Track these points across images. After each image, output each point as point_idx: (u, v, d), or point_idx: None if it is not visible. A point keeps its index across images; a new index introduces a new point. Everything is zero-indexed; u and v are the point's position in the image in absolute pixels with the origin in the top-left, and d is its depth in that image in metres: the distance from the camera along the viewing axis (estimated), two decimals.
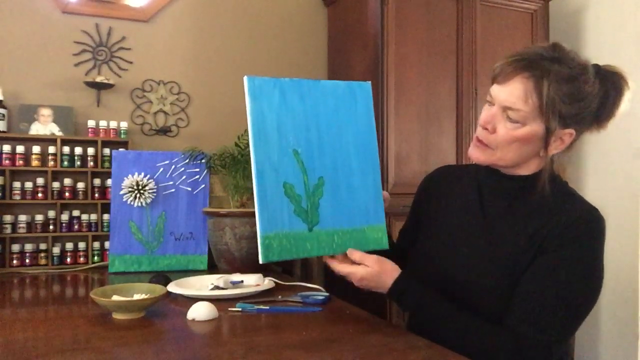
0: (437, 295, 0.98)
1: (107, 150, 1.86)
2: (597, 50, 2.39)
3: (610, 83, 0.94)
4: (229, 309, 1.15)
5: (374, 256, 0.98)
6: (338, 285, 1.19)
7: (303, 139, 1.00)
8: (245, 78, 0.98)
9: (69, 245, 1.80)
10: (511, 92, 0.92)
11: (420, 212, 1.19)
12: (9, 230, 1.74)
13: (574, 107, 0.91)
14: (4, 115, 1.79)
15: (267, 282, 1.35)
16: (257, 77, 1.01)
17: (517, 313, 0.90)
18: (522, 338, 0.88)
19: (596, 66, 0.95)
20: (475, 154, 1.00)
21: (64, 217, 1.80)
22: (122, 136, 1.91)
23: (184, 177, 1.76)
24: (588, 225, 0.92)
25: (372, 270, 0.97)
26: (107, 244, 1.80)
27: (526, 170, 1.00)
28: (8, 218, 1.75)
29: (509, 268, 0.94)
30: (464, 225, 1.05)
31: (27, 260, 1.75)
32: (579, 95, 0.91)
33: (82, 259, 1.81)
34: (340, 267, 1.00)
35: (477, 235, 1.02)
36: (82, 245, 1.82)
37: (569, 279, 0.89)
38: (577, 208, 0.95)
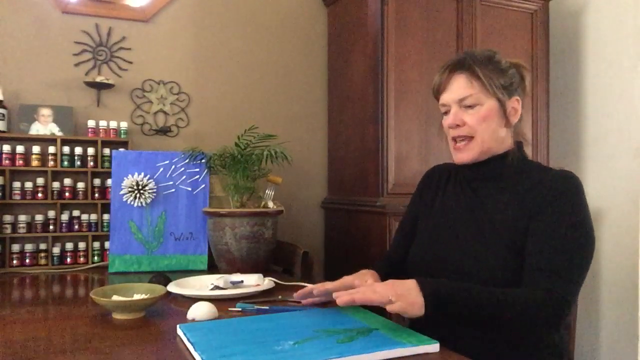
0: (457, 282, 0.98)
1: (107, 150, 1.86)
2: (597, 50, 2.39)
3: (516, 65, 1.13)
4: (229, 309, 1.15)
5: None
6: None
7: None
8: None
9: (69, 245, 1.80)
10: (457, 87, 1.09)
11: (418, 208, 1.26)
12: (9, 230, 1.74)
13: (505, 78, 1.09)
14: (4, 115, 1.79)
15: (267, 282, 1.35)
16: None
17: (538, 272, 0.96)
18: (553, 292, 0.94)
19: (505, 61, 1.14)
20: (462, 155, 1.11)
21: (64, 217, 1.80)
22: (122, 136, 1.91)
23: (184, 177, 1.76)
24: (569, 181, 1.03)
25: (388, 281, 0.94)
26: (107, 244, 1.80)
27: (497, 150, 1.11)
28: (8, 218, 1.75)
29: (508, 240, 1.02)
30: (460, 212, 1.13)
31: (27, 260, 1.75)
32: (502, 68, 1.09)
33: (82, 259, 1.81)
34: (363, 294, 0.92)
35: (473, 219, 1.09)
36: (82, 245, 1.82)
37: (567, 232, 0.98)
38: (554, 172, 1.07)
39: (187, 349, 0.88)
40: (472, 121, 1.08)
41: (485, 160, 1.11)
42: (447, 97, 1.11)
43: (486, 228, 1.06)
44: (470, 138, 1.09)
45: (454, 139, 1.12)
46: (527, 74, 1.14)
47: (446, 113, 1.12)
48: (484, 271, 1.01)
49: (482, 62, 1.08)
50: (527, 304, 0.93)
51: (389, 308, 0.88)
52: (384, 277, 1.13)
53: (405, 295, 0.89)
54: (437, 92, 1.13)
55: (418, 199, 1.28)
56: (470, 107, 1.08)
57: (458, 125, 1.09)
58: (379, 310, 1.08)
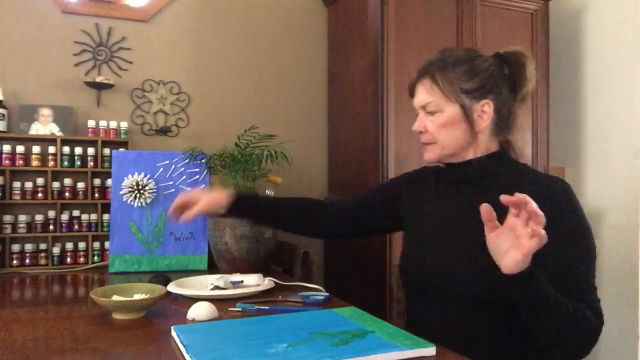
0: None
1: (107, 150, 1.86)
2: (597, 50, 2.39)
3: (508, 58, 1.09)
4: (229, 309, 1.15)
5: None
6: (337, 285, 1.19)
7: None
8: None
9: (69, 245, 1.80)
10: (420, 94, 1.09)
11: (402, 207, 1.24)
12: (9, 230, 1.74)
13: (475, 81, 1.05)
14: (4, 115, 1.79)
15: (267, 282, 1.35)
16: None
17: (572, 290, 0.94)
18: (595, 307, 0.94)
19: (496, 53, 1.12)
20: (427, 156, 1.12)
21: (64, 217, 1.80)
22: (122, 136, 1.91)
23: (184, 177, 1.76)
24: (567, 191, 1.01)
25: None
26: (107, 244, 1.80)
27: (476, 153, 1.09)
28: (8, 218, 1.75)
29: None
30: (447, 217, 1.11)
31: (27, 260, 1.75)
32: (475, 70, 1.06)
33: (82, 259, 1.81)
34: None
35: (459, 224, 1.07)
36: (82, 245, 1.82)
37: (583, 248, 0.98)
38: (547, 179, 1.06)
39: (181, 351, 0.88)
40: (432, 128, 1.07)
41: (463, 163, 1.10)
42: (415, 101, 1.12)
43: (472, 233, 1.00)
44: (433, 143, 1.09)
45: (421, 142, 1.13)
46: (529, 62, 1.08)
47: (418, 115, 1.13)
48: (464, 278, 1.00)
49: (449, 65, 1.06)
50: (588, 324, 0.92)
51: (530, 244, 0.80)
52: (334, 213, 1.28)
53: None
54: (411, 95, 1.14)
55: (403, 194, 1.25)
56: (431, 113, 1.07)
57: (421, 132, 1.10)
58: (375, 312, 1.08)
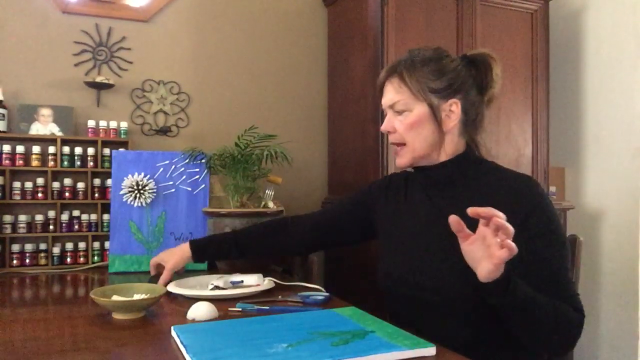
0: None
1: (107, 150, 1.86)
2: (597, 50, 2.39)
3: (476, 59, 1.09)
4: (229, 309, 1.15)
5: None
6: (337, 285, 1.19)
7: None
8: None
9: (69, 245, 1.80)
10: (388, 93, 1.09)
11: (375, 217, 1.24)
12: (9, 230, 1.74)
13: (443, 80, 1.05)
14: (4, 115, 1.79)
15: (267, 282, 1.35)
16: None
17: (551, 287, 0.95)
18: (574, 303, 0.95)
19: (464, 54, 1.12)
20: (398, 161, 1.11)
21: (64, 217, 1.80)
22: (122, 136, 1.91)
23: (184, 177, 1.76)
24: (537, 190, 1.01)
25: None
26: (107, 244, 1.80)
27: (445, 155, 1.08)
28: (8, 218, 1.75)
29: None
30: (418, 223, 1.10)
31: (27, 260, 1.75)
32: (443, 70, 1.06)
33: (82, 259, 1.81)
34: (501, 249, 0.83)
35: (430, 229, 1.07)
36: (82, 245, 1.82)
37: (557, 247, 0.98)
38: (516, 178, 1.04)
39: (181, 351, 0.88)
40: (400, 128, 1.07)
41: (433, 166, 1.09)
42: (383, 101, 1.11)
43: (443, 239, 0.99)
44: (402, 144, 1.08)
45: (392, 144, 1.11)
46: (495, 64, 1.07)
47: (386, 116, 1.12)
48: (442, 284, 1.00)
49: (417, 64, 1.06)
50: (569, 320, 0.93)
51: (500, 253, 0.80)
52: (312, 236, 1.31)
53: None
54: (380, 95, 1.13)
55: (374, 202, 1.25)
56: (399, 112, 1.07)
57: (390, 132, 1.09)
58: (375, 312, 1.08)
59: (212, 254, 1.43)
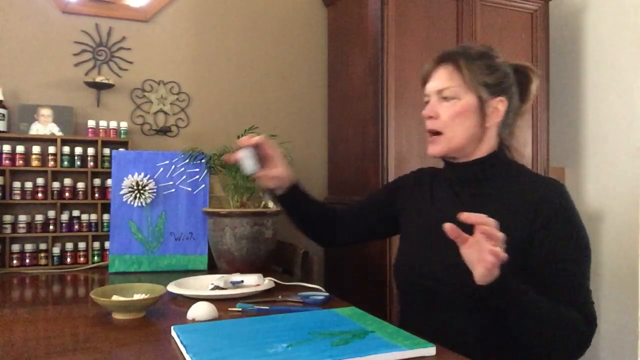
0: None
1: (107, 150, 1.86)
2: (597, 50, 2.39)
3: (519, 68, 1.11)
4: (229, 309, 1.15)
5: None
6: (337, 285, 1.19)
7: None
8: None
9: (69, 245, 1.80)
10: (439, 78, 1.08)
11: (399, 210, 1.24)
12: (9, 230, 1.74)
13: (494, 76, 1.06)
14: (4, 115, 1.79)
15: (267, 282, 1.35)
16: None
17: (564, 292, 0.95)
18: (586, 311, 0.94)
19: (508, 62, 1.12)
20: (432, 149, 1.09)
21: (64, 217, 1.80)
22: (122, 136, 1.91)
23: (184, 177, 1.76)
24: (564, 194, 1.02)
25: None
26: (107, 244, 1.80)
27: (479, 152, 1.08)
28: (8, 218, 1.75)
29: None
30: (442, 218, 1.07)
31: (27, 260, 1.75)
32: (494, 66, 1.06)
33: (82, 259, 1.81)
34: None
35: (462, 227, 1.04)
36: (82, 245, 1.82)
37: (577, 251, 0.98)
38: (544, 182, 1.05)
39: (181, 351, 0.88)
40: (445, 114, 1.05)
41: (465, 163, 1.09)
42: (429, 87, 1.10)
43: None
44: (439, 133, 1.07)
45: (429, 132, 1.10)
46: (535, 78, 1.10)
47: (427, 103, 1.11)
48: (460, 280, 0.98)
49: (472, 56, 1.06)
50: (573, 325, 0.93)
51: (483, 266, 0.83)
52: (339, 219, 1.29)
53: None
54: (423, 81, 1.12)
55: (400, 197, 1.25)
56: (446, 99, 1.06)
57: (432, 117, 1.07)
58: (376, 312, 1.08)
59: (299, 194, 1.26)
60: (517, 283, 0.90)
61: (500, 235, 0.81)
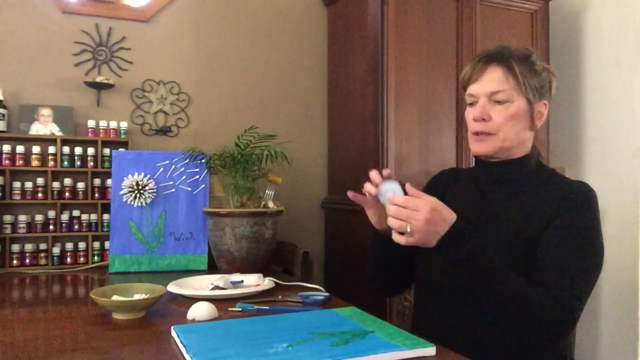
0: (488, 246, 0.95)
1: (107, 150, 1.86)
2: (597, 50, 2.39)
3: (548, 69, 1.12)
4: (229, 309, 1.15)
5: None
6: (337, 285, 1.19)
7: None
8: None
9: (69, 245, 1.80)
10: (491, 80, 1.04)
11: None
12: (9, 230, 1.74)
13: (538, 79, 1.06)
14: (4, 115, 1.79)
15: (267, 282, 1.35)
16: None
17: (547, 278, 0.94)
18: (559, 298, 0.92)
19: None
20: (480, 147, 1.07)
21: (64, 217, 1.80)
22: (122, 136, 1.91)
23: (184, 177, 1.76)
24: (585, 195, 1.01)
25: (438, 201, 0.92)
26: (107, 244, 1.80)
27: (517, 152, 1.08)
28: (8, 218, 1.75)
29: (512, 249, 0.99)
30: (470, 219, 1.07)
31: (27, 260, 1.75)
32: (536, 69, 1.07)
33: (82, 259, 1.81)
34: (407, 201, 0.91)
35: (483, 227, 1.05)
36: (82, 245, 1.82)
37: (580, 245, 0.97)
38: (571, 183, 1.05)
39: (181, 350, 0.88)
40: (498, 118, 1.04)
41: (499, 163, 1.08)
42: (477, 89, 1.06)
43: (491, 235, 1.02)
44: (491, 134, 1.05)
45: (476, 133, 1.07)
46: (555, 81, 1.11)
47: (472, 104, 1.08)
48: None
49: (520, 58, 1.05)
50: (538, 304, 0.91)
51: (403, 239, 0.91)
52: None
53: (441, 222, 0.90)
54: (467, 82, 1.08)
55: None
56: (499, 102, 1.04)
57: (484, 120, 1.05)
58: (376, 312, 1.08)
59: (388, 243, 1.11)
60: (473, 234, 0.92)
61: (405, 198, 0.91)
